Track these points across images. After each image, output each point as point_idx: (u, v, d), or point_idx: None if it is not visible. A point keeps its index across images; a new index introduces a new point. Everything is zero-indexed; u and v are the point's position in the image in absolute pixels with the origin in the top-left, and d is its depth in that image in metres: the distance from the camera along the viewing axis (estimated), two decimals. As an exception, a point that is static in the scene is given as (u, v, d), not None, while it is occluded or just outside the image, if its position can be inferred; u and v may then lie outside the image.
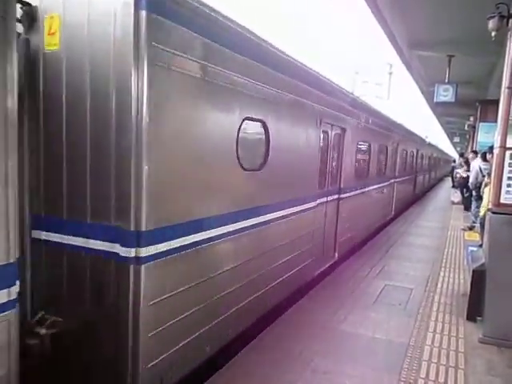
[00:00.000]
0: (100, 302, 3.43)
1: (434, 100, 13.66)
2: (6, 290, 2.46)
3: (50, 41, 3.48)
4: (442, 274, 8.51)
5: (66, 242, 3.53)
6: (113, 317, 3.38)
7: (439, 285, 7.76)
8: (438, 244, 11.45)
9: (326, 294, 6.94)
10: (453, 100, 13.21)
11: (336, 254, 8.65)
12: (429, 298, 6.99)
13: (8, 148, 2.49)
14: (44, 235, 3.62)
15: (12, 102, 2.53)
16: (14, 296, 2.52)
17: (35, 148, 3.55)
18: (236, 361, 4.67)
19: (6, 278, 2.46)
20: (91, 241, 3.43)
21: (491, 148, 8.44)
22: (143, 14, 3.15)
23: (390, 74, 26.59)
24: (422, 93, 19.66)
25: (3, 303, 2.45)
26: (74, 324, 3.51)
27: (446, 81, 13.12)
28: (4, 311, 2.46)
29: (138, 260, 3.27)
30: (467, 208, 16.40)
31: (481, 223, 9.51)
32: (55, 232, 3.57)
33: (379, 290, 7.25)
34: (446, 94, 13.26)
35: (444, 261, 9.60)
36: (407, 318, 6.12)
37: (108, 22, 3.23)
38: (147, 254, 3.32)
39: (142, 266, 3.29)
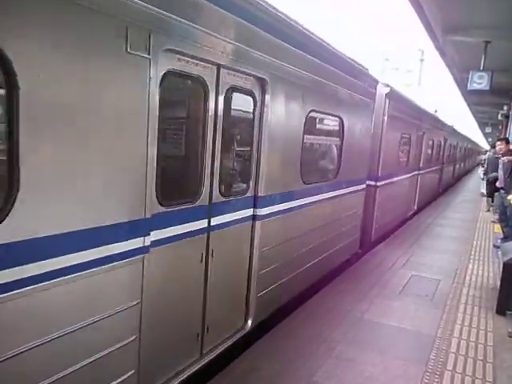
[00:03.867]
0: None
1: (468, 88, 13.21)
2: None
3: None
4: (470, 266, 8.33)
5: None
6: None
7: (468, 277, 7.60)
8: (466, 236, 11.20)
9: (350, 282, 6.89)
10: (487, 88, 12.74)
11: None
12: (457, 290, 6.85)
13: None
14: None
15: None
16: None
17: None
18: (260, 345, 4.70)
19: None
20: None
21: None
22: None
23: (422, 60, 25.94)
24: (455, 80, 19.10)
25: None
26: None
27: (481, 68, 12.65)
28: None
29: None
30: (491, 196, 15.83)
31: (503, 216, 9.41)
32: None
33: (405, 281, 7.15)
34: (480, 81, 12.79)
35: (473, 253, 9.39)
36: (434, 309, 6.02)
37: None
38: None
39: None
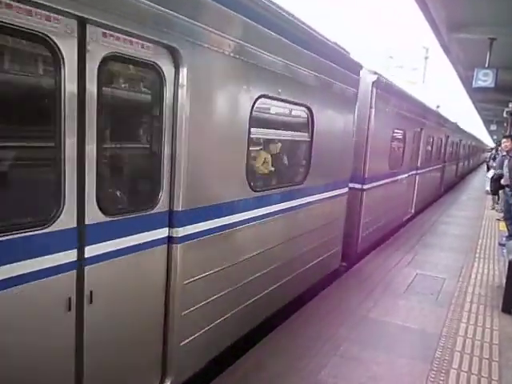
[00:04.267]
0: None
1: (473, 85, 13.13)
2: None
3: None
4: (475, 264, 8.29)
5: None
6: None
7: (473, 275, 7.56)
8: (471, 234, 11.15)
9: (355, 281, 6.87)
10: (492, 85, 12.64)
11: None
12: (462, 289, 6.82)
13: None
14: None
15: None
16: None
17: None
18: (265, 343, 4.70)
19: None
20: None
21: None
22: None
23: (426, 58, 25.83)
24: (460, 78, 18.98)
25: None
26: None
27: (486, 65, 12.56)
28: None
29: None
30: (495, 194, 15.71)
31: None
32: None
33: (410, 279, 7.12)
34: (485, 79, 12.69)
35: (478, 251, 9.34)
36: (439, 307, 5.99)
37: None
38: None
39: None
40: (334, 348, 4.69)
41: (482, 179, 29.16)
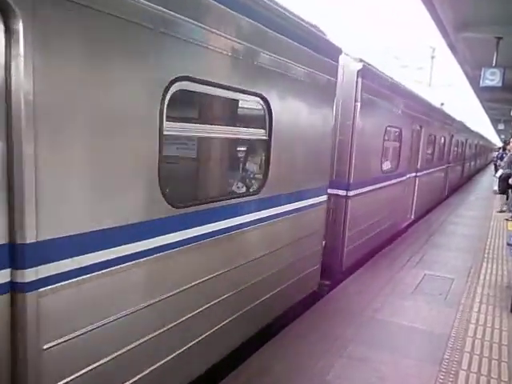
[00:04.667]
0: None
1: (480, 85, 13.07)
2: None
3: None
4: (484, 264, 8.23)
5: None
6: None
7: (482, 276, 7.51)
8: (480, 234, 11.08)
9: (362, 282, 6.84)
10: (500, 85, 12.58)
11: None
12: (471, 289, 6.77)
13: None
14: None
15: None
16: None
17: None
18: (272, 344, 4.69)
19: None
20: None
21: None
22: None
23: (433, 57, 25.72)
24: (467, 77, 18.89)
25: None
26: None
27: (494, 64, 12.50)
28: None
29: None
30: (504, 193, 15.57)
31: None
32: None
33: (418, 280, 7.08)
34: (492, 78, 12.63)
35: (487, 251, 9.28)
36: (448, 308, 5.96)
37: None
38: None
39: None
40: (341, 349, 4.67)
41: (489, 179, 28.94)
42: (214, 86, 3.46)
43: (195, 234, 3.37)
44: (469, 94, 25.87)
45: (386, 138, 8.40)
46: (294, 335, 4.93)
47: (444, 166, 16.40)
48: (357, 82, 6.51)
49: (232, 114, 4.49)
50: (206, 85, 3.37)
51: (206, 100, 4.10)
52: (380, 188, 8.28)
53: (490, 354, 4.74)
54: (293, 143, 4.73)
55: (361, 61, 6.57)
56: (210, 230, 3.55)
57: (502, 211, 14.73)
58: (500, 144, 51.62)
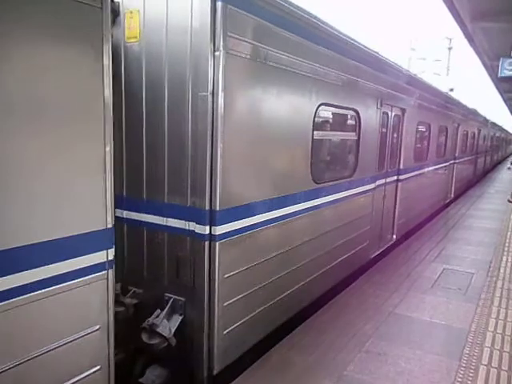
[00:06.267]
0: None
1: (498, 75, 12.83)
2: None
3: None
4: (504, 258, 8.12)
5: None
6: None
7: (502, 270, 7.41)
8: (499, 227, 10.91)
9: (381, 276, 6.83)
10: (519, 75, 12.36)
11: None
12: (491, 284, 6.70)
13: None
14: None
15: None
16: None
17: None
18: (292, 338, 4.73)
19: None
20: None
21: None
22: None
23: (450, 49, 25.29)
24: (485, 68, 18.54)
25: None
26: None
27: (512, 54, 12.27)
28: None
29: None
30: None
31: None
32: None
33: (437, 274, 7.04)
34: (511, 68, 12.41)
35: (507, 245, 9.14)
36: (468, 303, 5.91)
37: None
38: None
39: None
40: (360, 343, 4.69)
41: (510, 171, 28.43)
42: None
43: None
44: (488, 84, 25.39)
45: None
46: (314, 328, 4.96)
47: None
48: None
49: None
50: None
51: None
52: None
53: (510, 349, 4.69)
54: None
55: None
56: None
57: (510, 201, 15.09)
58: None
